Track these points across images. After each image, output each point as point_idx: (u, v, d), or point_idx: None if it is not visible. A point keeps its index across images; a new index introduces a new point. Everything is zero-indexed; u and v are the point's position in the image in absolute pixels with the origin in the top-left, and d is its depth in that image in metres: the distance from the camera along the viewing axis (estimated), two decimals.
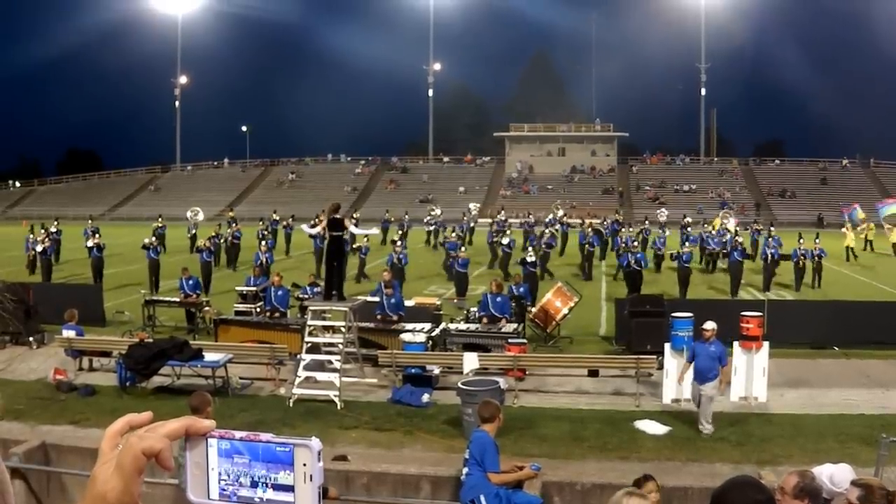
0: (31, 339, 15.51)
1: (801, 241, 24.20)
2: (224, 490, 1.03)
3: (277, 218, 35.79)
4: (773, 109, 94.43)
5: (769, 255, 23.54)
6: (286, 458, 1.00)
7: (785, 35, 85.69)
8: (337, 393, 11.84)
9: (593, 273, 26.46)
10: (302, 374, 12.13)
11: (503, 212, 38.91)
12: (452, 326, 14.88)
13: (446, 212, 44.15)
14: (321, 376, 12.24)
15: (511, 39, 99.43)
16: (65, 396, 12.31)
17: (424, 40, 77.17)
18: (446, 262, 25.64)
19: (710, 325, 10.84)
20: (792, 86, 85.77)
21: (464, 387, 10.67)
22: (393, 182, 67.51)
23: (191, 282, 17.76)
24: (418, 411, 11.58)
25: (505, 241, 26.48)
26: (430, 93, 78.73)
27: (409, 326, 14.29)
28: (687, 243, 24.34)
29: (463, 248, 23.47)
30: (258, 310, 16.34)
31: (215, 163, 76.55)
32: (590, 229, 27.82)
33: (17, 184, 76.12)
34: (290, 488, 1.00)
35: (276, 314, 15.58)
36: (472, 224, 37.64)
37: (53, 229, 29.34)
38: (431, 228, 36.97)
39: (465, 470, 7.23)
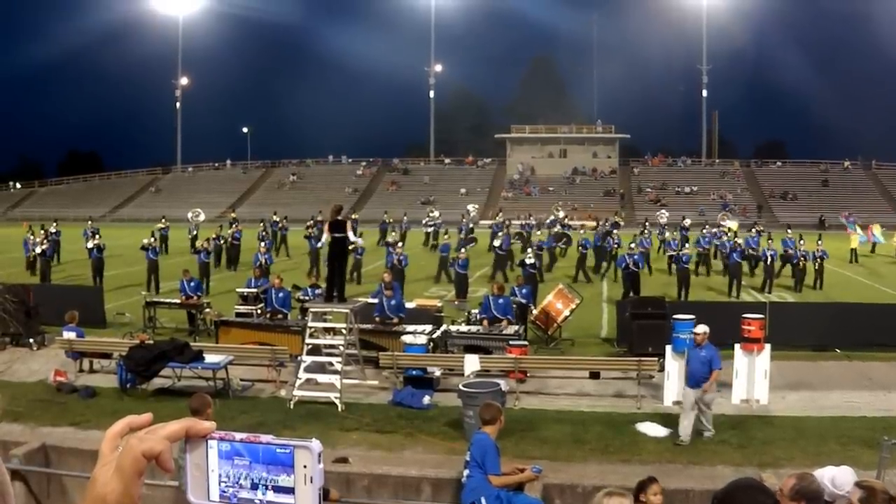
0: (31, 340, 15.51)
1: (802, 242, 24.29)
2: (224, 492, 1.02)
3: (277, 220, 35.91)
4: (774, 111, 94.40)
5: (769, 257, 23.60)
6: (286, 459, 1.00)
7: (786, 37, 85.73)
8: (338, 395, 11.83)
9: (589, 275, 26.24)
10: (303, 375, 12.12)
11: (500, 214, 39.08)
12: (453, 328, 14.87)
13: (448, 213, 44.18)
14: (322, 378, 12.22)
15: (512, 41, 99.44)
16: (65, 398, 12.30)
17: (425, 42, 77.37)
18: (441, 265, 25.78)
19: (700, 329, 10.69)
20: (793, 87, 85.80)
21: (465, 389, 10.66)
22: (394, 183, 67.53)
23: (192, 284, 17.76)
24: (419, 413, 11.56)
25: (497, 242, 26.46)
26: (432, 94, 78.90)
27: (410, 328, 14.27)
28: (687, 245, 24.37)
29: (462, 250, 23.48)
30: (259, 311, 16.35)
31: (216, 164, 76.60)
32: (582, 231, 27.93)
33: (18, 185, 76.12)
34: (290, 490, 1.00)
35: (279, 316, 15.58)
36: (471, 226, 37.73)
37: (53, 230, 29.39)
38: (430, 230, 37.07)
39: (465, 472, 7.22)
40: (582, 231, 27.95)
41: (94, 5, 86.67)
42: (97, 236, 25.99)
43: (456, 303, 19.92)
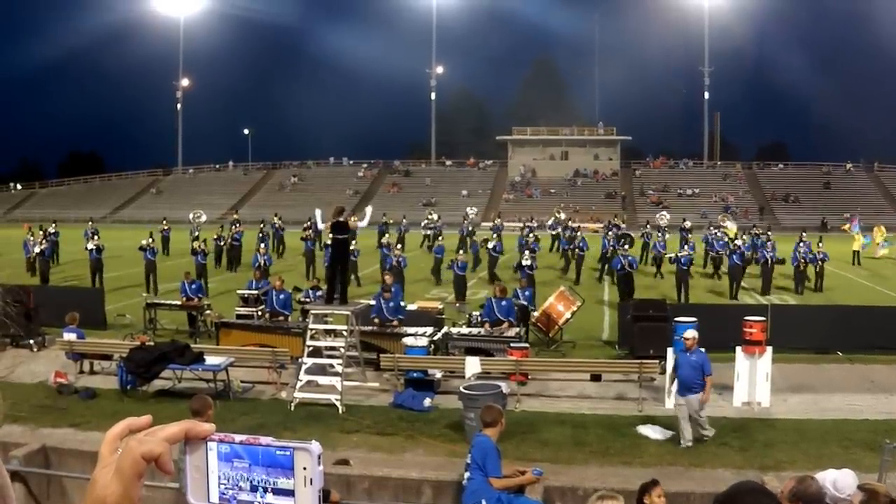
0: (31, 342, 15.52)
1: (802, 243, 24.30)
2: (224, 494, 1.02)
3: (277, 222, 35.98)
4: (776, 113, 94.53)
5: (767, 259, 23.63)
6: (286, 462, 0.99)
7: (788, 38, 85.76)
8: (338, 397, 11.82)
9: (582, 277, 26.17)
10: (303, 377, 12.11)
11: (500, 217, 39.19)
12: (454, 330, 14.86)
13: (449, 216, 44.18)
14: (323, 380, 12.22)
15: (514, 43, 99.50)
16: (66, 400, 12.29)
17: (427, 44, 77.44)
18: (435, 267, 25.90)
19: (690, 334, 10.59)
20: (795, 89, 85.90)
21: (466, 391, 10.65)
22: (395, 185, 67.58)
23: (193, 285, 17.77)
24: (420, 415, 11.55)
25: (490, 244, 26.50)
26: (433, 96, 78.93)
27: (411, 330, 14.27)
28: (686, 247, 24.36)
29: (462, 252, 23.51)
30: (259, 313, 16.34)
31: (217, 166, 76.67)
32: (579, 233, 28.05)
33: (19, 186, 76.22)
34: (290, 492, 0.99)
35: (279, 318, 15.58)
36: (471, 228, 37.74)
37: (51, 230, 29.43)
38: (429, 233, 37.16)
39: (466, 474, 7.21)
40: (579, 233, 27.93)
41: (94, 6, 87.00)
42: (96, 237, 26.06)
43: (456, 305, 19.91)
